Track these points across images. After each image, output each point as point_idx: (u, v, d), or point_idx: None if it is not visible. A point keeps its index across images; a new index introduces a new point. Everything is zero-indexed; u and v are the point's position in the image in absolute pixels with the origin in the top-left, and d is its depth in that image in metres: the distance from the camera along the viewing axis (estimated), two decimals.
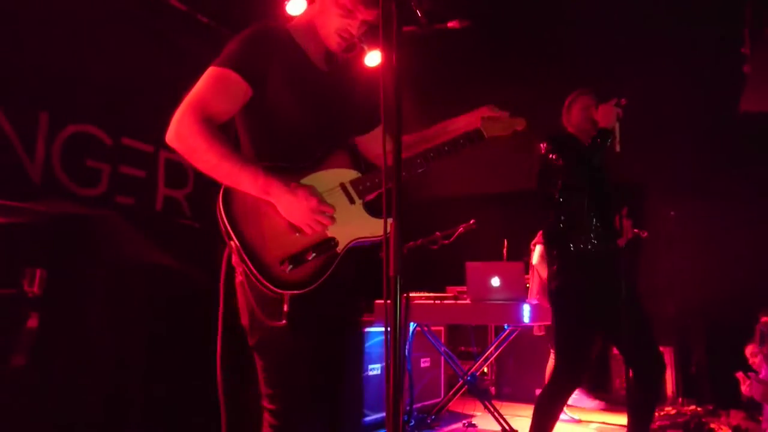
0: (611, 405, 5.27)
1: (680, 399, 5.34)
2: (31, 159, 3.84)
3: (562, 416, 4.80)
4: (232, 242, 1.73)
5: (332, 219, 1.81)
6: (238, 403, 1.87)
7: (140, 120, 4.27)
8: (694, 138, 5.51)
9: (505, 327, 4.70)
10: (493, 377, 6.00)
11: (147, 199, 4.46)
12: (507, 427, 4.24)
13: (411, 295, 4.42)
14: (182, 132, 1.75)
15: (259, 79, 1.84)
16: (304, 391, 1.79)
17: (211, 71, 1.83)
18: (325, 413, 1.87)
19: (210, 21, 4.77)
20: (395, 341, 1.44)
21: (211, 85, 1.81)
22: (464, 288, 4.46)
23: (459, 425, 4.69)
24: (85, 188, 4.05)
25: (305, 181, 1.84)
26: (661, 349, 3.05)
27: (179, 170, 4.61)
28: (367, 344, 4.27)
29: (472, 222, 4.43)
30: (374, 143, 2.12)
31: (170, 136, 1.77)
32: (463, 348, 6.04)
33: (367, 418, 4.10)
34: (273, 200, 1.75)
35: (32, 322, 2.50)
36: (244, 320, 1.84)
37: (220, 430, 1.86)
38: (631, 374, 2.94)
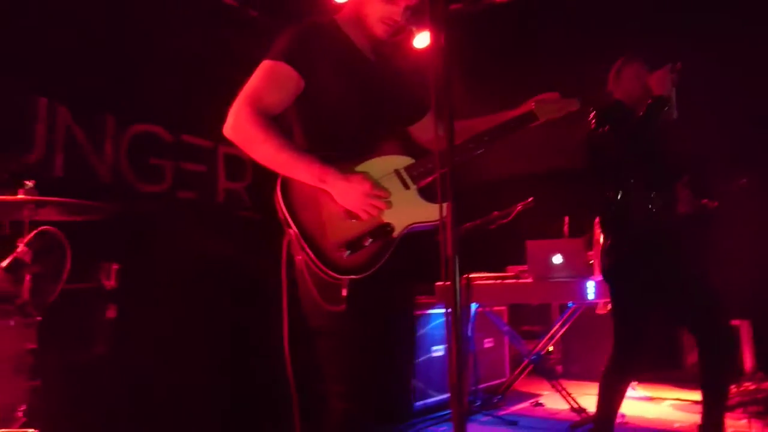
0: (684, 382, 5.11)
1: (759, 374, 5.11)
2: (100, 159, 4.03)
3: (634, 393, 4.71)
4: (291, 230, 1.78)
5: (388, 203, 1.83)
6: (307, 386, 1.92)
7: (198, 117, 4.39)
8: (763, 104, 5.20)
9: (570, 305, 4.62)
10: (559, 356, 5.91)
11: (208, 192, 4.61)
12: (575, 406, 4.19)
13: (471, 276, 4.40)
14: (239, 124, 1.81)
15: (311, 71, 1.88)
16: (362, 374, 1.83)
17: (264, 65, 1.89)
18: (379, 395, 1.91)
19: (260, 15, 4.84)
20: (456, 322, 1.45)
21: (265, 78, 1.86)
22: (525, 267, 4.40)
23: (526, 404, 4.66)
24: (150, 185, 4.23)
25: (359, 168, 1.86)
26: (737, 323, 2.93)
27: (238, 163, 4.73)
28: (429, 326, 4.29)
29: (530, 200, 4.36)
30: (427, 128, 2.13)
31: (228, 129, 1.83)
32: (527, 327, 5.98)
33: (432, 399, 4.13)
34: (328, 188, 1.79)
35: (111, 313, 2.65)
36: (305, 305, 1.88)
37: (289, 415, 1.92)
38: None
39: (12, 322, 1.96)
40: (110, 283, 2.66)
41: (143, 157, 4.21)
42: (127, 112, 4.14)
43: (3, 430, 1.54)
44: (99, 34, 3.91)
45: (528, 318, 5.97)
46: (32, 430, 1.56)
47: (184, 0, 4.38)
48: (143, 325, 2.98)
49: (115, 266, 2.70)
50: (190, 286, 3.47)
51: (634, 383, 4.69)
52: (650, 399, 4.77)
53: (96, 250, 2.73)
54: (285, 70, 1.86)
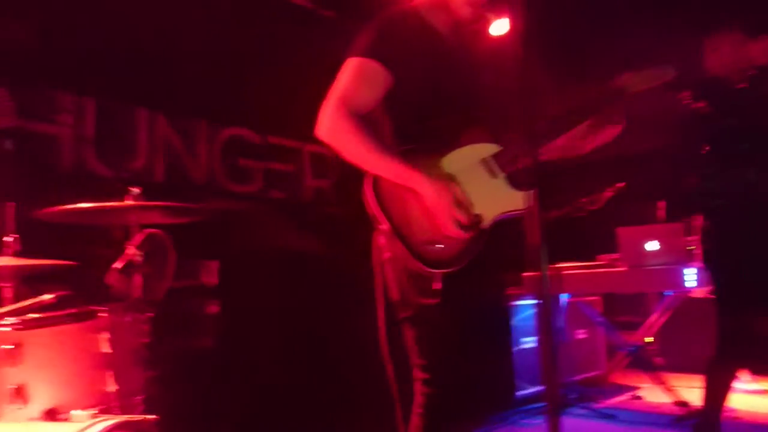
0: None
1: None
2: (195, 163, 4.28)
3: (747, 386, 4.42)
4: (382, 226, 1.81)
5: (467, 217, 1.80)
6: (404, 374, 1.97)
7: (283, 118, 4.54)
8: None
9: (668, 293, 4.41)
10: (659, 347, 5.66)
11: (296, 191, 4.77)
12: (678, 399, 4.00)
13: (561, 265, 4.29)
14: (331, 127, 1.85)
15: (397, 64, 1.88)
16: (453, 364, 1.85)
17: (351, 63, 1.89)
18: (474, 385, 1.91)
19: (336, 15, 4.93)
20: (546, 313, 1.43)
21: (354, 78, 1.87)
22: (616, 255, 4.25)
23: (624, 397, 4.50)
24: (242, 185, 4.43)
25: (446, 159, 1.86)
26: None
27: (324, 162, 4.86)
28: (518, 317, 4.23)
29: (620, 185, 4.18)
30: (508, 115, 2.09)
31: (320, 131, 1.87)
32: (623, 318, 5.76)
33: (524, 392, 4.08)
34: (417, 190, 1.80)
35: (213, 308, 2.82)
36: (394, 296, 1.92)
37: (387, 407, 1.96)
38: None
39: (128, 318, 2.13)
40: (211, 280, 2.82)
41: (234, 160, 4.42)
42: (217, 116, 4.36)
43: (127, 416, 1.68)
44: (188, 44, 4.12)
45: (624, 308, 5.75)
46: (152, 416, 1.68)
47: (263, 5, 4.54)
48: (243, 319, 3.14)
49: (215, 264, 2.86)
50: (283, 282, 3.61)
51: (746, 375, 4.41)
52: (766, 392, 4.47)
53: (197, 249, 2.90)
54: (373, 66, 1.86)
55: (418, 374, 1.88)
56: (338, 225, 4.59)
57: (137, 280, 2.22)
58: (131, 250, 2.22)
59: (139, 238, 2.21)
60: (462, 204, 1.79)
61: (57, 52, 3.57)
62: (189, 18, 4.13)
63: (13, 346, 1.89)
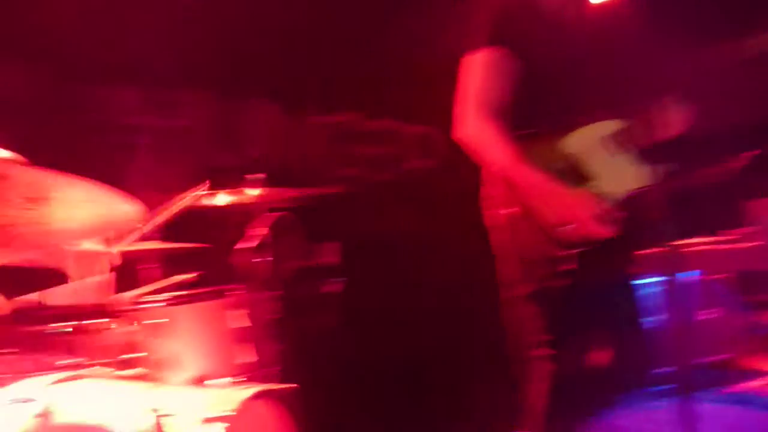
0: None
1: None
2: (307, 149, 4.46)
3: None
4: (510, 207, 1.82)
5: (606, 228, 1.76)
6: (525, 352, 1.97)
7: (383, 100, 4.60)
8: None
9: None
10: None
11: (404, 173, 4.82)
12: None
13: (690, 240, 4.06)
14: (470, 132, 1.83)
15: (522, 46, 1.84)
16: (580, 342, 1.82)
17: (479, 57, 1.84)
18: (601, 365, 1.88)
19: None
20: (675, 291, 1.39)
21: (486, 73, 1.83)
22: (750, 229, 3.95)
23: (759, 383, 4.20)
24: (352, 169, 4.56)
25: (568, 140, 1.83)
26: None
27: (429, 144, 4.88)
28: (646, 296, 4.05)
29: (755, 152, 3.87)
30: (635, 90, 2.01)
31: (459, 134, 1.85)
32: (758, 297, 5.34)
33: (652, 372, 3.91)
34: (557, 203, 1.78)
35: (336, 287, 2.96)
36: (518, 273, 1.91)
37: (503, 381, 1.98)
38: None
39: (261, 296, 2.29)
40: (333, 259, 2.96)
41: (339, 145, 4.56)
42: (327, 103, 4.50)
43: (267, 385, 1.81)
44: (296, 32, 4.27)
45: (760, 287, 5.33)
46: (290, 385, 1.81)
47: None
48: (363, 297, 3.26)
49: (336, 245, 2.99)
50: (399, 261, 3.70)
51: None
52: None
53: (319, 231, 3.05)
54: (502, 56, 1.82)
55: (543, 351, 1.87)
56: (447, 204, 4.60)
57: (267, 260, 2.38)
58: (261, 232, 2.37)
59: (268, 220, 2.36)
60: (603, 216, 1.76)
61: (180, 52, 3.83)
62: (296, 9, 4.28)
63: (166, 320, 2.10)
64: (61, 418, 1.56)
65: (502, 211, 1.85)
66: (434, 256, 4.05)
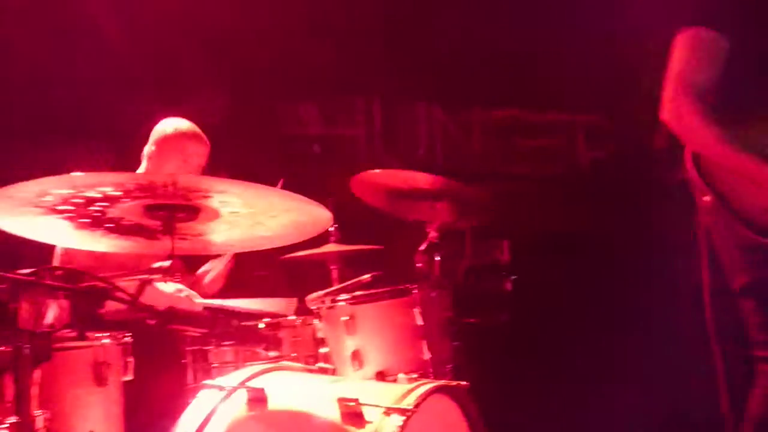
0: None
1: None
2: (467, 146, 4.48)
3: None
4: (707, 197, 1.72)
5: None
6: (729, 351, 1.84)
7: (550, 93, 4.46)
8: None
9: None
10: None
11: (572, 165, 4.65)
12: None
13: None
14: (677, 113, 1.77)
15: (732, 28, 1.74)
16: None
17: (687, 36, 1.77)
18: None
19: None
20: None
21: (695, 55, 1.77)
22: None
23: None
24: (518, 165, 4.50)
25: None
26: None
27: (599, 134, 4.65)
28: None
29: None
30: None
31: (666, 116, 1.81)
32: None
33: None
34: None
35: (507, 285, 2.96)
36: (725, 267, 1.81)
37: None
38: None
39: (433, 294, 2.37)
40: (504, 257, 2.96)
41: (506, 140, 4.51)
42: (489, 100, 4.48)
43: (443, 381, 1.88)
44: (451, 30, 4.31)
45: None
46: (464, 382, 1.85)
47: None
48: (533, 294, 3.23)
49: (506, 242, 2.99)
50: (568, 257, 3.60)
51: None
52: None
53: (488, 230, 3.07)
54: (709, 37, 1.73)
55: (762, 352, 1.73)
56: (618, 196, 4.36)
57: (438, 259, 2.45)
58: (432, 233, 2.45)
59: (437, 222, 2.43)
60: None
61: (348, 63, 4.07)
62: (451, 8, 4.31)
63: (348, 318, 2.27)
64: (272, 405, 1.75)
65: (706, 198, 1.75)
66: (607, 251, 3.86)
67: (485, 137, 4.52)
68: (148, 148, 2.63)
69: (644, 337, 3.43)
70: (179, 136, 2.60)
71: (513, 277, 3.04)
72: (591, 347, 3.43)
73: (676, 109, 1.74)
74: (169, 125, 2.64)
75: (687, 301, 2.08)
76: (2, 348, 1.24)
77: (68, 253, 2.32)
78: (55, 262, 2.36)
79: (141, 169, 2.65)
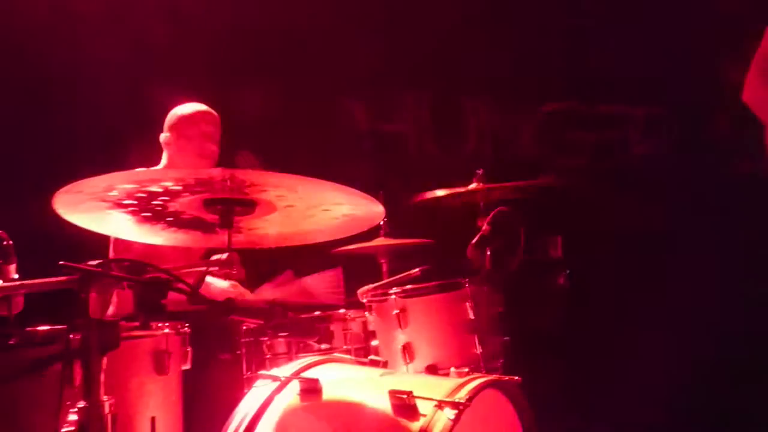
0: None
1: None
2: (521, 141, 4.42)
3: None
4: None
5: None
6: None
7: (603, 84, 4.35)
8: None
9: None
10: None
11: (627, 159, 4.51)
12: None
13: None
14: (755, 96, 1.83)
15: None
16: None
17: None
18: None
19: None
20: None
21: None
22: None
23: None
24: (570, 158, 4.40)
25: None
26: None
27: (655, 126, 4.50)
28: None
29: None
30: None
31: (746, 98, 1.86)
32: None
33: None
34: None
35: (561, 281, 2.91)
36: None
37: None
38: None
39: (485, 288, 2.35)
40: (557, 253, 2.91)
41: (560, 133, 4.42)
42: (540, 92, 4.40)
43: (495, 375, 1.86)
44: (502, 23, 4.25)
45: None
46: (515, 377, 1.83)
47: None
48: (589, 292, 3.16)
49: (558, 238, 2.94)
50: (624, 252, 3.51)
51: None
52: None
53: (541, 224, 3.03)
54: None
55: None
56: (676, 191, 4.22)
57: (489, 254, 2.43)
58: (483, 227, 2.43)
59: (489, 215, 2.41)
60: None
61: (397, 58, 4.08)
62: (504, 3, 4.26)
63: (399, 311, 2.28)
64: (326, 396, 1.78)
65: None
66: (666, 248, 3.75)
67: (535, 131, 4.44)
68: (165, 136, 2.69)
69: (700, 337, 3.33)
70: (192, 116, 2.67)
71: (566, 273, 2.99)
72: (645, 346, 3.35)
73: (750, 91, 1.79)
74: (179, 109, 2.71)
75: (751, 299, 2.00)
76: (73, 336, 1.30)
77: (121, 243, 2.40)
78: (111, 253, 2.44)
79: (163, 159, 2.71)
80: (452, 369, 2.06)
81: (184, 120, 2.67)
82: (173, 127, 2.69)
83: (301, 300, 2.30)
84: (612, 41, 4.23)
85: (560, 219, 3.34)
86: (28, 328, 1.46)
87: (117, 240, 2.42)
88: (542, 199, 2.71)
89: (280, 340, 2.25)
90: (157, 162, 2.73)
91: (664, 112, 4.33)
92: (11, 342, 1.42)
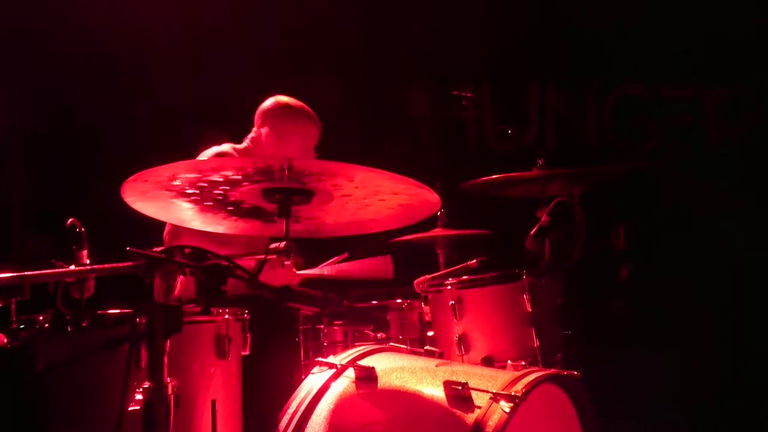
0: None
1: None
2: (585, 127, 4.29)
3: None
4: None
5: None
6: None
7: (677, 66, 4.16)
8: None
9: None
10: None
11: (700, 143, 4.31)
12: None
13: None
14: None
15: None
16: None
17: None
18: None
19: None
20: None
21: None
22: None
23: None
24: (637, 144, 4.25)
25: None
26: None
27: (732, 107, 4.27)
28: None
29: None
30: None
31: None
32: None
33: None
34: None
35: (624, 272, 2.82)
36: None
37: None
38: None
39: (544, 281, 2.30)
40: (621, 243, 2.82)
41: (627, 118, 4.27)
42: (606, 76, 4.26)
43: (551, 369, 1.82)
44: (561, 3, 4.12)
45: None
46: (575, 372, 1.79)
47: None
48: (654, 284, 3.05)
49: (622, 228, 2.85)
50: (691, 242, 3.36)
51: None
52: None
53: (603, 213, 2.93)
54: None
55: None
56: (759, 176, 3.96)
57: (549, 245, 2.38)
58: (542, 218, 2.38)
59: (548, 205, 2.35)
60: None
61: (456, 44, 4.03)
62: None
63: (455, 302, 2.26)
64: (381, 384, 1.79)
65: None
66: (744, 236, 3.54)
67: (601, 115, 4.30)
68: (263, 130, 2.57)
69: None
70: (301, 126, 2.55)
71: (630, 265, 2.88)
72: (715, 340, 3.21)
73: None
74: (286, 108, 2.59)
75: None
76: (139, 319, 1.35)
77: (175, 230, 2.39)
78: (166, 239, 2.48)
79: (246, 141, 2.63)
80: (509, 361, 2.04)
81: (290, 125, 2.54)
82: (275, 125, 2.55)
83: (352, 275, 2.28)
84: (682, 16, 4.02)
85: (625, 208, 3.22)
86: (98, 312, 1.53)
87: (173, 227, 2.41)
88: (606, 187, 2.61)
89: (337, 328, 2.28)
90: (240, 140, 2.65)
91: (744, 92, 4.08)
92: (83, 324, 1.49)
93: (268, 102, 2.63)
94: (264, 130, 2.58)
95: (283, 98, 2.64)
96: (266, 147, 2.58)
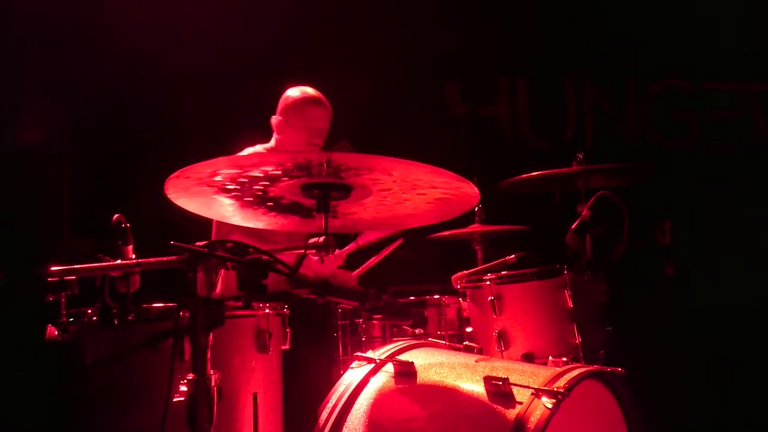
0: None
1: None
2: (624, 124, 4.20)
3: None
4: None
5: None
6: None
7: (719, 58, 4.04)
8: None
9: None
10: None
11: (744, 139, 4.18)
12: None
13: None
14: None
15: None
16: None
17: None
18: None
19: None
20: None
21: None
22: None
23: None
24: (677, 140, 4.14)
25: None
26: None
27: None
28: None
29: None
30: None
31: None
32: None
33: None
34: None
35: (669, 269, 2.75)
36: None
37: None
38: None
39: (586, 276, 2.26)
40: (664, 240, 2.75)
41: (666, 114, 4.17)
42: (644, 70, 4.16)
43: (597, 366, 1.78)
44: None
45: None
46: (619, 369, 1.75)
47: None
48: (698, 281, 2.97)
49: (667, 224, 2.78)
50: (739, 237, 3.26)
51: None
52: None
53: (648, 209, 2.87)
54: None
55: None
56: None
57: (590, 240, 2.33)
58: (584, 212, 2.33)
59: (590, 200, 2.31)
60: None
61: (491, 41, 3.99)
62: None
63: (494, 298, 2.23)
64: (420, 379, 1.78)
65: None
66: None
67: (641, 111, 4.21)
68: (276, 119, 2.70)
69: None
70: (300, 102, 2.67)
71: (674, 261, 2.80)
72: (759, 337, 3.11)
73: None
74: (291, 93, 2.71)
75: None
76: (183, 313, 1.37)
77: (221, 226, 2.47)
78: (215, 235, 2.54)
79: (271, 143, 2.74)
80: (550, 358, 2.00)
81: (295, 110, 2.67)
82: (284, 112, 2.69)
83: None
84: (721, 9, 3.90)
85: (670, 203, 3.14)
86: (144, 305, 1.57)
87: (220, 223, 2.50)
88: (649, 182, 2.55)
89: (375, 323, 2.28)
90: (267, 139, 2.76)
91: None
92: (129, 318, 1.52)
93: (284, 94, 2.75)
94: (277, 119, 2.70)
95: (296, 87, 2.74)
96: (280, 136, 2.70)
